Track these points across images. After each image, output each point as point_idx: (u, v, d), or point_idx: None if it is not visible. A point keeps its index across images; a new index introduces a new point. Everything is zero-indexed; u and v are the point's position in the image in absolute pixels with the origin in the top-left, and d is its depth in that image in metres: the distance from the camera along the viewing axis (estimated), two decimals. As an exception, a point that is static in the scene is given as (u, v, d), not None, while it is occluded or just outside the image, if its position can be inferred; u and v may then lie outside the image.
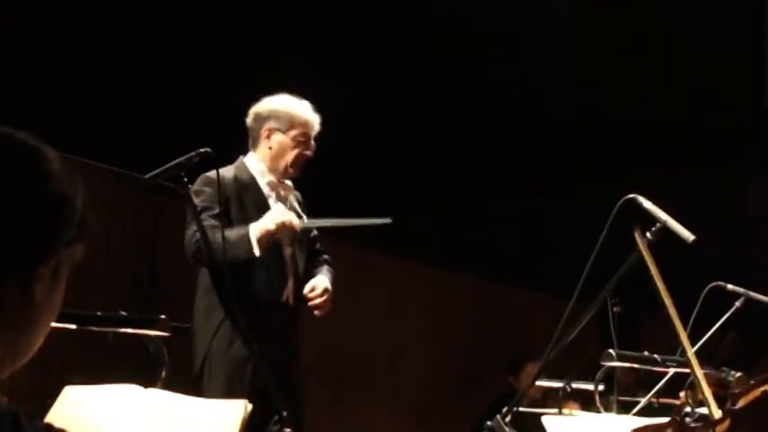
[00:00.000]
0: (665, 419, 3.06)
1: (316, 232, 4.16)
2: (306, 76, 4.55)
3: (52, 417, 2.61)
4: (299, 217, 3.96)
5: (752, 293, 4.37)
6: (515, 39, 7.37)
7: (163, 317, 2.98)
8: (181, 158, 3.21)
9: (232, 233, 3.70)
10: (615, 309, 4.38)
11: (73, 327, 2.86)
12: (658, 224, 3.27)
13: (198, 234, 3.58)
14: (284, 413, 3.04)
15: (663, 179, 6.20)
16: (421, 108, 6.57)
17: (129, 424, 2.62)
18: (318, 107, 4.08)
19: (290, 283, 3.93)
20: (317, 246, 4.16)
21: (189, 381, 3.63)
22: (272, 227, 3.72)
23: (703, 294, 4.19)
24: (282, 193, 4.02)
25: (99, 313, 3.03)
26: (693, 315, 4.08)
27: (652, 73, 7.92)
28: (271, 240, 3.77)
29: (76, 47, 5.42)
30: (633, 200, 3.34)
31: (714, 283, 4.27)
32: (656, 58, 7.86)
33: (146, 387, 2.74)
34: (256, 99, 4.13)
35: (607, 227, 3.31)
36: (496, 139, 7.28)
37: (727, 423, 2.66)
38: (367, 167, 6.23)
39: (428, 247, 7.86)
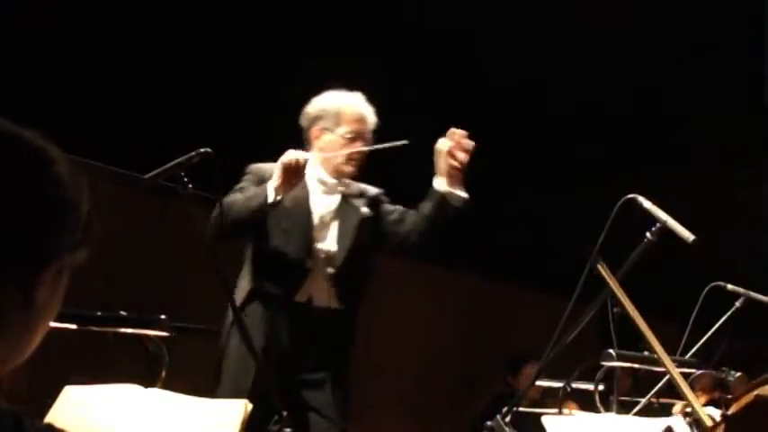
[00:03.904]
0: (663, 422, 3.06)
1: (389, 208, 3.92)
2: (306, 75, 4.54)
3: (52, 417, 2.61)
4: (368, 210, 3.82)
5: (752, 293, 4.37)
6: (515, 37, 7.36)
7: (163, 317, 2.98)
8: (181, 158, 3.21)
9: (249, 191, 3.66)
10: (615, 309, 4.38)
11: (73, 327, 2.86)
12: (658, 224, 3.28)
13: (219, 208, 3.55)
14: (284, 413, 3.04)
15: (663, 179, 6.20)
16: (420, 108, 6.57)
17: (129, 424, 2.62)
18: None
19: (309, 284, 3.74)
20: (394, 214, 3.91)
21: (189, 381, 3.63)
22: (279, 164, 3.59)
23: (703, 294, 4.19)
24: (341, 189, 3.85)
25: (99, 313, 3.03)
26: (693, 315, 4.08)
27: (652, 73, 7.92)
28: (288, 186, 3.61)
29: (76, 46, 5.42)
30: (633, 200, 3.34)
31: (714, 283, 4.28)
32: (656, 57, 7.85)
33: (146, 387, 2.74)
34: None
35: (607, 227, 3.31)
36: (496, 138, 7.27)
37: (722, 428, 2.66)
38: (366, 168, 6.23)
39: (428, 247, 7.85)
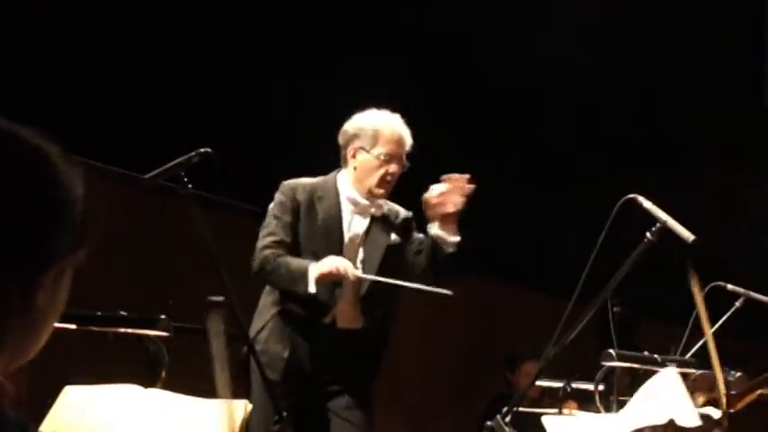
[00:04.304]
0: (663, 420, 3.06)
1: (414, 236, 3.94)
2: (306, 76, 4.55)
3: (52, 417, 2.61)
4: (398, 234, 3.86)
5: (752, 293, 4.37)
6: (515, 37, 7.36)
7: (163, 317, 2.98)
8: (181, 158, 3.22)
9: (293, 264, 3.70)
10: (615, 309, 4.38)
11: (73, 327, 2.86)
12: (658, 224, 3.28)
13: (265, 249, 3.70)
14: (284, 413, 3.04)
15: (663, 179, 6.19)
16: (419, 107, 6.57)
17: (129, 424, 2.62)
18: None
19: (342, 307, 3.79)
20: (415, 244, 3.92)
21: (189, 381, 3.63)
22: (325, 270, 3.62)
23: (703, 294, 4.19)
24: (372, 210, 3.87)
25: (99, 313, 3.03)
26: (693, 315, 4.08)
27: (652, 73, 7.91)
28: (328, 282, 3.68)
29: (76, 46, 5.42)
30: (633, 200, 3.34)
31: (714, 283, 4.27)
32: (656, 57, 7.85)
33: (146, 387, 2.74)
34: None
35: (607, 227, 3.31)
36: (496, 138, 7.27)
37: (725, 424, 2.66)
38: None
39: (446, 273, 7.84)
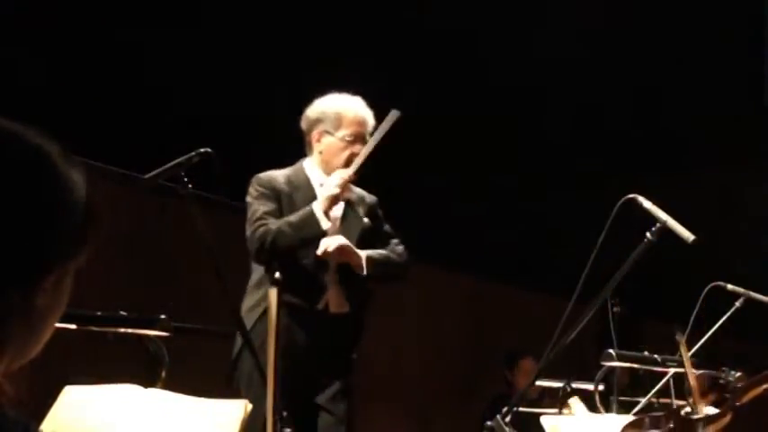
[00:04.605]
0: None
1: (387, 227, 4.02)
2: (306, 76, 4.55)
3: (52, 417, 2.61)
4: (365, 221, 3.90)
5: (752, 293, 4.37)
6: (516, 37, 7.36)
7: (163, 317, 2.98)
8: (181, 158, 3.22)
9: (292, 217, 3.71)
10: (615, 309, 4.39)
11: (73, 327, 2.86)
12: (658, 224, 3.28)
13: (259, 227, 3.65)
14: (284, 413, 3.04)
15: (663, 179, 6.20)
16: (419, 108, 6.57)
17: (129, 424, 2.62)
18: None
19: (331, 292, 3.82)
20: (391, 243, 3.98)
21: (189, 381, 3.63)
22: (334, 191, 3.67)
23: (703, 294, 4.19)
24: (344, 195, 3.89)
25: (99, 313, 3.03)
26: (693, 315, 4.08)
27: (652, 73, 7.92)
28: (333, 207, 3.70)
29: (76, 46, 5.42)
30: (633, 200, 3.34)
31: (714, 283, 4.28)
32: (656, 57, 7.85)
33: (146, 387, 2.74)
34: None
35: (607, 227, 3.31)
36: (496, 138, 7.27)
37: (728, 418, 2.66)
38: (366, 167, 6.23)
39: (428, 247, 7.85)
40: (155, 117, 5.71)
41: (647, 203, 3.33)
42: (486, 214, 7.55)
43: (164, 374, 2.92)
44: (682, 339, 3.08)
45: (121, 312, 3.03)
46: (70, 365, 3.51)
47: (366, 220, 3.92)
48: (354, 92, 3.98)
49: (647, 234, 3.28)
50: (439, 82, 7.02)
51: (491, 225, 7.62)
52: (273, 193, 3.82)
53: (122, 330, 3.01)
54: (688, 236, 3.24)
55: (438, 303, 8.13)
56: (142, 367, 2.97)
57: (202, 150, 3.25)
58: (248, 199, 3.85)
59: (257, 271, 3.85)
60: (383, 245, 3.95)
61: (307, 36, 6.37)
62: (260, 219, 3.75)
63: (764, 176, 7.86)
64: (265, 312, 3.72)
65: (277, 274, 2.73)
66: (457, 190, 7.39)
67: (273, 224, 3.72)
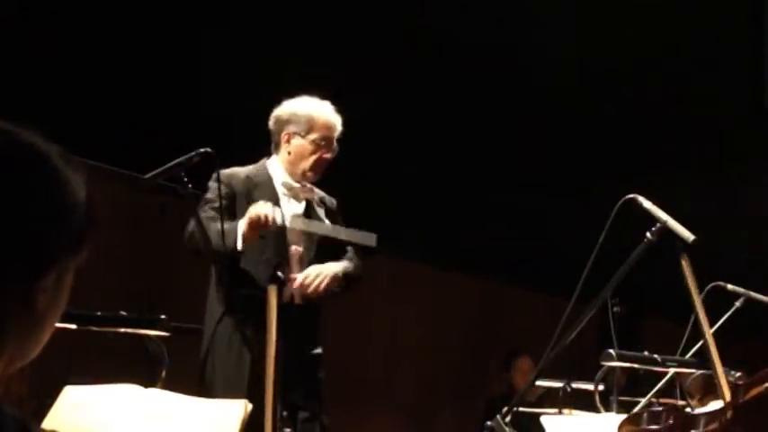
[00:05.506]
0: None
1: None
2: (306, 76, 4.55)
3: (52, 417, 2.61)
4: (332, 221, 3.92)
5: (752, 293, 4.38)
6: (516, 36, 7.36)
7: (163, 317, 2.99)
8: (181, 158, 3.23)
9: (229, 224, 3.69)
10: (615, 309, 4.39)
11: (73, 327, 2.86)
12: (658, 224, 3.28)
13: (194, 225, 3.62)
14: (284, 413, 3.05)
15: (663, 179, 6.20)
16: (419, 107, 6.57)
17: (129, 424, 2.62)
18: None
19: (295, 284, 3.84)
20: (349, 251, 4.04)
21: (189, 381, 3.64)
22: (245, 221, 3.63)
23: (703, 294, 4.19)
24: (302, 195, 3.96)
25: (99, 313, 3.03)
26: (693, 315, 4.08)
27: (652, 73, 7.92)
28: (255, 235, 3.66)
29: (76, 46, 5.42)
30: (633, 200, 3.34)
31: (714, 283, 4.28)
32: (656, 57, 7.85)
33: (146, 387, 2.74)
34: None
35: (607, 227, 3.31)
36: (496, 138, 7.28)
37: (729, 416, 2.65)
38: (366, 167, 6.24)
39: (427, 247, 7.86)
40: (155, 117, 5.71)
41: (647, 203, 3.33)
42: (485, 214, 7.55)
43: (164, 374, 2.93)
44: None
45: (121, 312, 3.03)
46: (70, 365, 3.51)
47: (327, 221, 3.95)
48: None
49: (647, 234, 3.28)
50: (439, 82, 7.02)
51: (491, 225, 7.63)
52: (227, 190, 3.79)
53: (122, 330, 3.01)
54: (688, 236, 3.23)
55: (437, 304, 8.13)
56: (142, 367, 2.98)
57: (202, 150, 3.25)
58: (207, 194, 3.84)
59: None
60: (341, 251, 3.98)
61: (306, 36, 6.37)
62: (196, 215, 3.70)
63: (764, 176, 7.86)
64: (225, 312, 3.74)
65: (279, 273, 2.72)
66: (457, 190, 7.40)
67: (193, 225, 3.69)
